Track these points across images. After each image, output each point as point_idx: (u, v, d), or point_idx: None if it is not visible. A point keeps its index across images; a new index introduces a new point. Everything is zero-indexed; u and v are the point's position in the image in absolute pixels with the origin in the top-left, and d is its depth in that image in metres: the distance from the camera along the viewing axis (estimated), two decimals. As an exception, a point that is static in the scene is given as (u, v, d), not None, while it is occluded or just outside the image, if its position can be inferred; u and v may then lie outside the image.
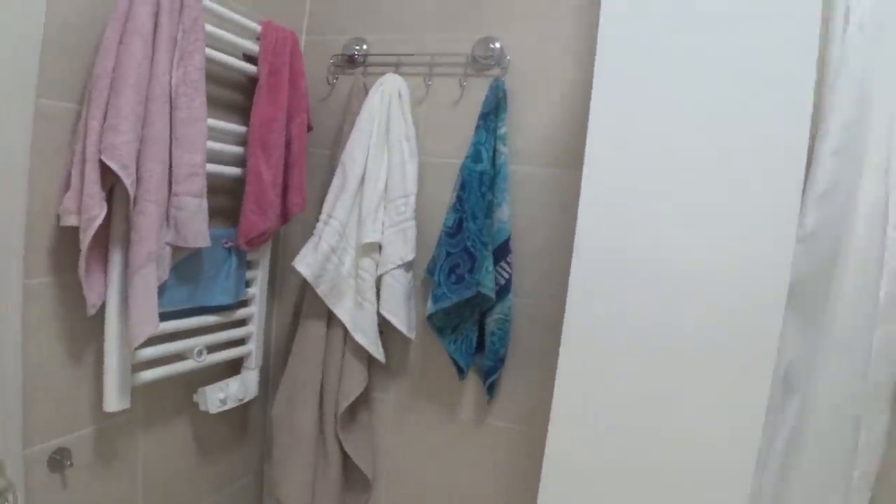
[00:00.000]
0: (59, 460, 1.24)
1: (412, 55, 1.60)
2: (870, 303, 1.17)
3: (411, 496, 1.77)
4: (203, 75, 1.29)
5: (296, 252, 1.66)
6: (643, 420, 1.16)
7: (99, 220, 1.14)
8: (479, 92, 1.53)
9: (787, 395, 1.25)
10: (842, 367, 1.20)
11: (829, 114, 1.17)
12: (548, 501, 1.23)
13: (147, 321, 1.24)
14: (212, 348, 1.48)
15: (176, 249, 1.30)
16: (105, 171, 1.14)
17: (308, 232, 1.63)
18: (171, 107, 1.24)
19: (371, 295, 1.54)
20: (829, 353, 1.21)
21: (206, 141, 1.30)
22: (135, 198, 1.18)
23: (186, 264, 1.36)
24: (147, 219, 1.20)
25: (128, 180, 1.15)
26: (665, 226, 1.12)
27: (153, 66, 1.20)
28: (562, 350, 1.20)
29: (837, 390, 1.21)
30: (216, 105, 1.43)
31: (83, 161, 1.14)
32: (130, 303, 1.20)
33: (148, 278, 1.22)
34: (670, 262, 1.12)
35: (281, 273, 1.75)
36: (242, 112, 1.52)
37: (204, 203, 1.31)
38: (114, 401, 1.27)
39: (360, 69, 1.64)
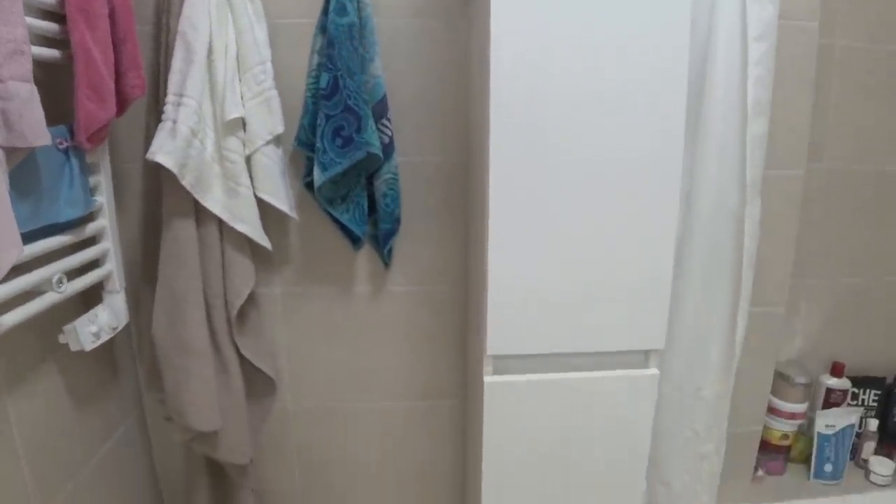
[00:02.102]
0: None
1: None
2: (738, 107, 1.33)
3: (319, 385, 1.70)
4: (1, -82, 0.98)
5: (128, 148, 1.43)
6: (572, 246, 1.23)
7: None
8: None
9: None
10: (719, 165, 1.38)
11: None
12: (494, 329, 1.26)
13: (8, 244, 0.97)
14: (68, 275, 1.21)
15: (8, 154, 1.02)
16: None
17: (134, 123, 1.43)
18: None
19: (245, 178, 1.36)
20: (706, 155, 1.37)
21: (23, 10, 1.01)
22: (-47, 86, 0.90)
23: (21, 175, 1.07)
24: (-23, 112, 0.92)
25: (-59, 60, 0.86)
26: (573, 74, 1.14)
27: None
28: (491, 192, 1.18)
29: (717, 188, 1.39)
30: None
31: None
32: (-21, 226, 0.93)
33: (-4, 189, 0.95)
34: (583, 107, 1.16)
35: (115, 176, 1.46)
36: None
37: (35, 90, 1.03)
38: (-23, 357, 1.00)
39: (172, -84, 1.36)
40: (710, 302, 1.45)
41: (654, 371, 1.32)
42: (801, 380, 1.76)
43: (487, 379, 1.29)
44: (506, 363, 1.30)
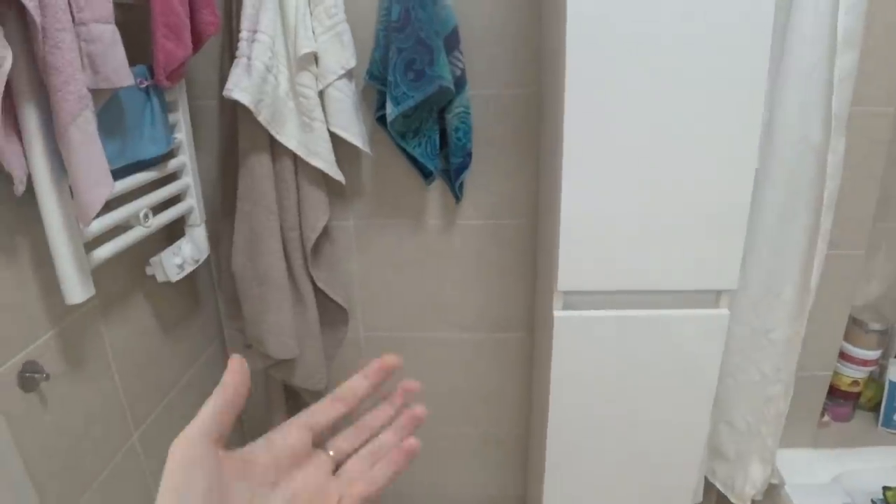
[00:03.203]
0: (31, 377, 1.02)
1: None
2: (827, 37, 1.23)
3: (390, 316, 1.75)
4: None
5: (203, 86, 1.45)
6: (646, 181, 1.20)
7: (8, 65, 0.88)
8: None
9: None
10: (803, 98, 1.29)
11: None
12: (565, 264, 1.26)
13: (100, 182, 1.02)
14: (152, 210, 1.26)
15: (94, 96, 1.05)
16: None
17: (208, 60, 1.44)
18: None
19: (318, 113, 1.37)
20: (790, 87, 1.29)
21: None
22: (43, 28, 0.91)
23: (106, 115, 1.10)
24: (66, 54, 0.93)
25: (30, 3, 0.87)
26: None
27: None
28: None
29: (800, 122, 1.31)
30: None
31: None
32: (73, 164, 0.97)
33: (87, 129, 0.98)
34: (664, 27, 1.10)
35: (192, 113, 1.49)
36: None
37: (117, 31, 1.04)
38: (77, 290, 1.05)
39: None
40: (787, 241, 1.40)
41: (724, 311, 1.30)
42: (876, 326, 1.70)
43: (557, 314, 1.30)
44: (576, 298, 1.30)
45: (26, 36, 0.92)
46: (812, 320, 1.44)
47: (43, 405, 1.07)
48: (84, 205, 0.99)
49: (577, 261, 1.26)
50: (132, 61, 1.11)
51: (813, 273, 1.37)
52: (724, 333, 1.32)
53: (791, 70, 1.29)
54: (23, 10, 0.88)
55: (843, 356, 1.73)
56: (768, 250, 1.42)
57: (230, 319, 1.71)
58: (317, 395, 1.64)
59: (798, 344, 1.45)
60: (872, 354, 1.73)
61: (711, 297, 1.31)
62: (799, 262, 1.40)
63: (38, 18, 0.89)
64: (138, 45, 1.19)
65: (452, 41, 1.39)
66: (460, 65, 1.41)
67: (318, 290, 1.56)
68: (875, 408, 1.82)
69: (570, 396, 1.37)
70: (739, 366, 1.51)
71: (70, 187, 1.00)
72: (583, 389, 1.37)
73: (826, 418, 1.79)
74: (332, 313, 1.64)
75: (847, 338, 1.70)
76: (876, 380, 1.82)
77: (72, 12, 0.96)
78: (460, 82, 1.42)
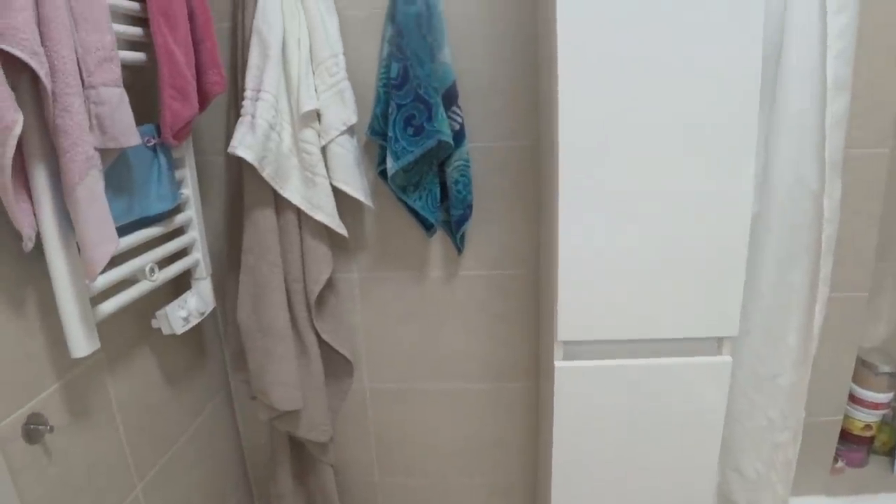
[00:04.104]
0: (35, 429, 1.04)
1: None
2: (818, 83, 1.25)
3: (395, 367, 1.75)
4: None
5: (209, 142, 1.49)
6: (643, 231, 1.22)
7: (18, 128, 0.91)
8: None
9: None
10: (797, 144, 1.31)
11: None
12: (565, 315, 1.27)
13: (106, 239, 1.05)
14: (159, 264, 1.29)
15: (102, 155, 1.09)
16: (6, 64, 0.90)
17: (215, 117, 1.49)
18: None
19: (321, 168, 1.41)
20: (783, 133, 1.31)
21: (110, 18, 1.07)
22: (53, 93, 0.96)
23: (114, 173, 1.14)
24: (74, 117, 0.97)
25: (41, 70, 0.91)
26: (642, 53, 1.12)
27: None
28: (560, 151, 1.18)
29: (795, 166, 1.32)
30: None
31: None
32: (80, 222, 1.00)
33: (94, 188, 1.01)
34: (656, 65, 1.13)
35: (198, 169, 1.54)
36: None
37: (125, 93, 1.09)
38: (82, 344, 1.07)
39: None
40: (788, 286, 1.40)
41: (726, 358, 1.30)
42: (886, 368, 1.67)
43: (558, 364, 1.31)
44: (576, 348, 1.31)
45: (37, 100, 0.96)
46: (819, 364, 1.42)
47: (47, 457, 1.08)
48: (90, 261, 1.02)
49: (576, 311, 1.27)
50: (140, 120, 1.15)
51: (815, 317, 1.37)
52: (727, 380, 1.32)
53: (784, 116, 1.31)
54: (35, 76, 0.92)
55: (854, 400, 1.70)
56: (770, 296, 1.42)
57: (236, 371, 1.72)
58: (321, 446, 1.64)
59: (804, 389, 1.43)
60: (884, 397, 1.69)
61: (713, 345, 1.31)
62: (801, 307, 1.39)
63: (49, 85, 0.93)
64: (146, 104, 1.24)
65: (451, 96, 1.43)
66: (459, 119, 1.45)
67: (322, 342, 1.58)
68: (890, 452, 1.78)
69: (574, 446, 1.36)
70: (746, 412, 1.50)
71: (77, 244, 1.03)
72: (586, 439, 1.36)
73: (840, 464, 1.75)
74: (336, 365, 1.65)
75: (857, 381, 1.68)
76: (889, 423, 1.78)
77: (81, 76, 1.01)
78: (459, 136, 1.45)
